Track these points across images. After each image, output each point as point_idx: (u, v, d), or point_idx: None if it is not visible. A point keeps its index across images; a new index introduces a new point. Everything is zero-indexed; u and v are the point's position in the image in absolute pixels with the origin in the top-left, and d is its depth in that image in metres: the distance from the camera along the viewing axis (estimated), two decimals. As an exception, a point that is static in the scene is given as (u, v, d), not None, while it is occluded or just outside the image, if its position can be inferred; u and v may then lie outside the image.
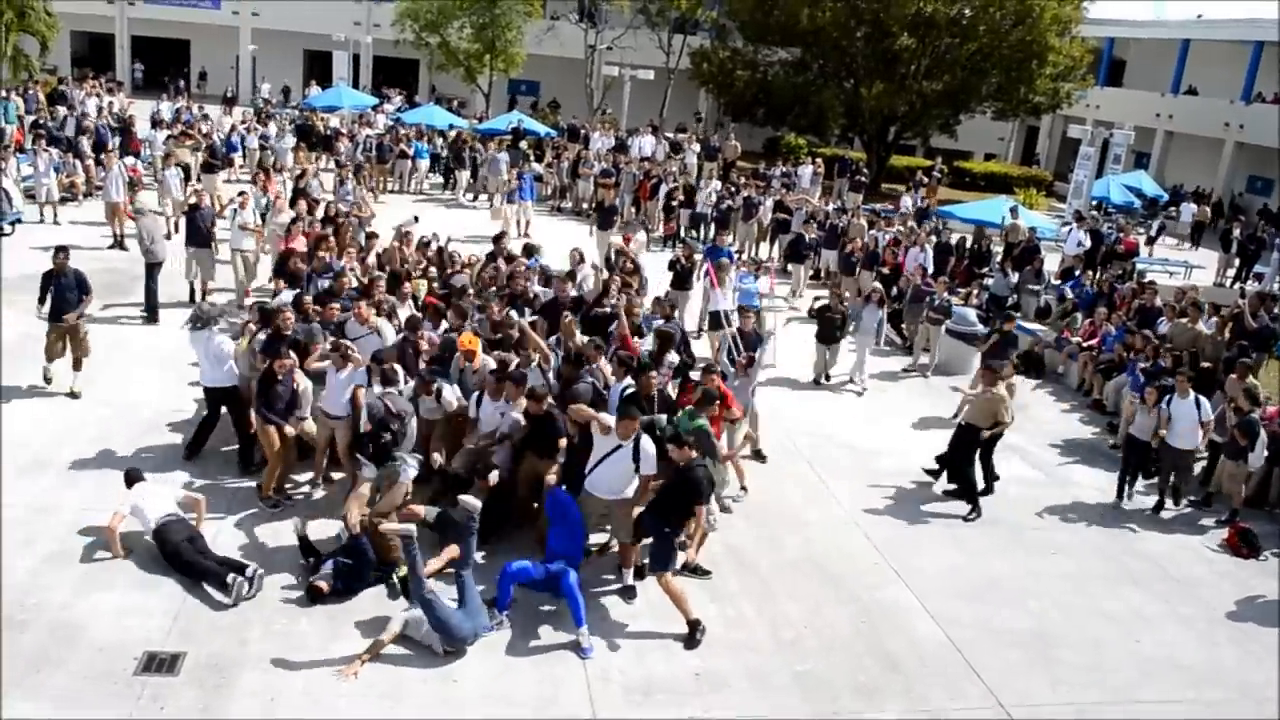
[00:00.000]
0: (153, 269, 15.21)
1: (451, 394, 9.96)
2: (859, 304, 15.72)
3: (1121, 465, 12.32)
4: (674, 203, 24.29)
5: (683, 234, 23.74)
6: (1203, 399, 11.84)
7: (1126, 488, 12.11)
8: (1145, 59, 45.19)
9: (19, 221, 19.39)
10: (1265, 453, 12.19)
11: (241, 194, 16.70)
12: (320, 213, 17.19)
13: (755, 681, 7.98)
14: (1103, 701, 8.22)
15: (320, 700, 7.23)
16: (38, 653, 7.40)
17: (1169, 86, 41.72)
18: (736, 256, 19.22)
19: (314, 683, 7.40)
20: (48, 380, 12.10)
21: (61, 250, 12.19)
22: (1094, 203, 28.77)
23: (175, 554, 8.53)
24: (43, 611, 7.89)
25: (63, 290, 11.93)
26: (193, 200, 16.32)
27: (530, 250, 15.25)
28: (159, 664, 7.42)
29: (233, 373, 10.42)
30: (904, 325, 17.53)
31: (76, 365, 12.09)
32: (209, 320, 10.41)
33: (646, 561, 9.03)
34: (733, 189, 24.86)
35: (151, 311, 15.11)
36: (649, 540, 8.84)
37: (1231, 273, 26.82)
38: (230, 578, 8.26)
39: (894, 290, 18.30)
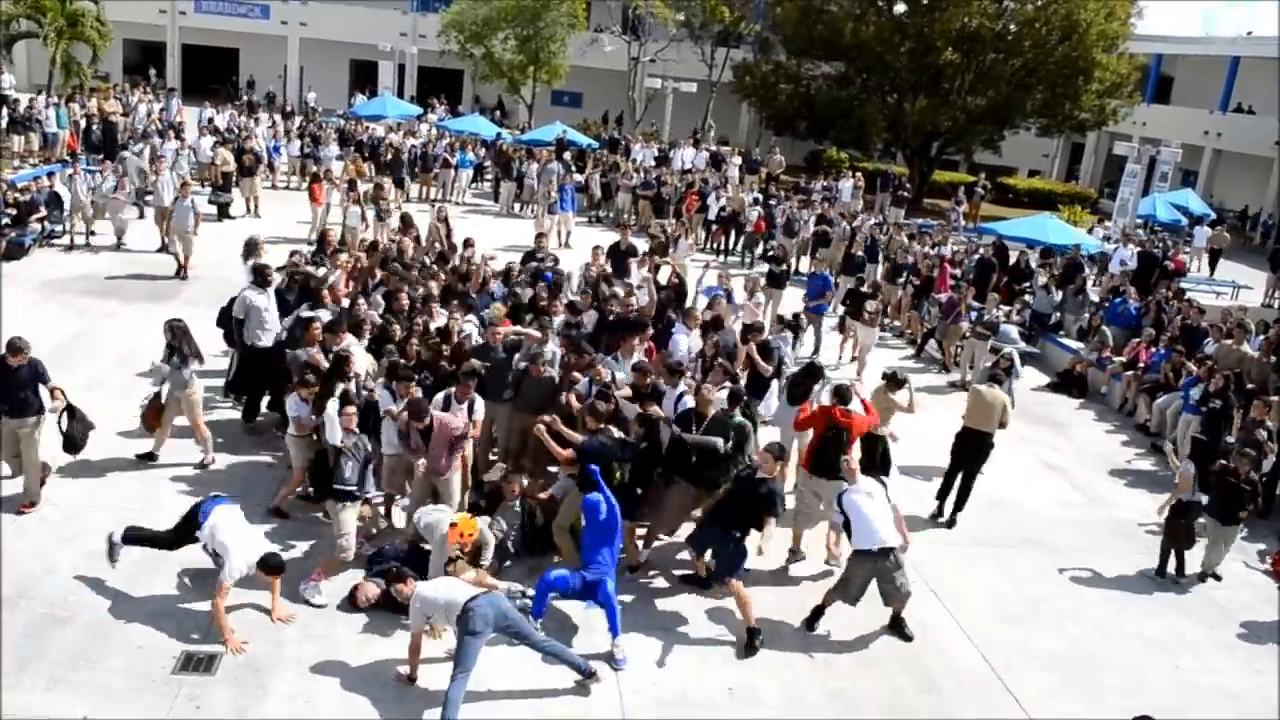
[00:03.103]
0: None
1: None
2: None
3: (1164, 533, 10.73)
4: (723, 214, 24.24)
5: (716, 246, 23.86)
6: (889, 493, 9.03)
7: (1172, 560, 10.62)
8: (1193, 76, 44.56)
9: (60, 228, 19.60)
10: (1274, 459, 11.93)
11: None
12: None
13: (788, 698, 7.92)
14: (1142, 727, 8.07)
15: (354, 703, 7.29)
16: (77, 650, 7.52)
17: (1217, 104, 41.09)
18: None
19: (349, 685, 7.45)
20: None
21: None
22: (1139, 221, 28.29)
23: None
24: (83, 609, 8.01)
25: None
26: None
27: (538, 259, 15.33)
28: (196, 663, 7.51)
29: None
30: (941, 342, 17.36)
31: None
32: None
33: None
34: (772, 202, 24.77)
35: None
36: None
37: (1280, 294, 26.29)
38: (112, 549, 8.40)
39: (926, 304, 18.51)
